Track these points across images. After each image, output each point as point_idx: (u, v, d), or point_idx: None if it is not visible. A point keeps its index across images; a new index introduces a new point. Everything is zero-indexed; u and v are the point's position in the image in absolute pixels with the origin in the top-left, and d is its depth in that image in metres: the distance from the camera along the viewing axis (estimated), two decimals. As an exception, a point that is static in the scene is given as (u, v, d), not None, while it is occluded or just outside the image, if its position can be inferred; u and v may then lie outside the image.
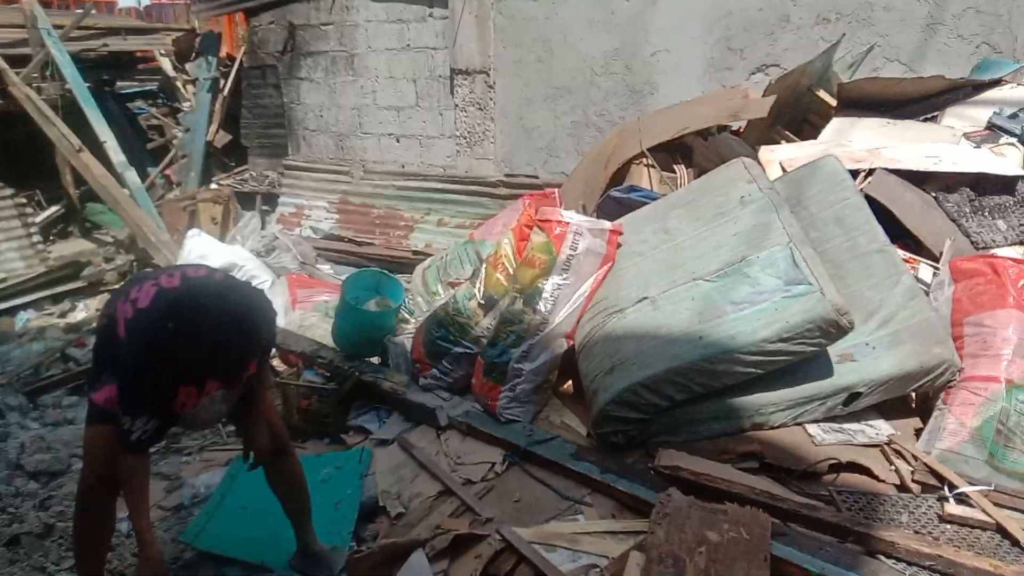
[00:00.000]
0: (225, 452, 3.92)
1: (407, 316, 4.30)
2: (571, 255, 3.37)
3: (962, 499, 2.68)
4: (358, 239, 6.91)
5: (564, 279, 3.36)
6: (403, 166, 7.39)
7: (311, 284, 5.59)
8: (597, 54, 6.22)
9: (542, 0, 6.32)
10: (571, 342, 3.39)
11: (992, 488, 2.72)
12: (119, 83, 10.03)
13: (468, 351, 3.53)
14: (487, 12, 6.50)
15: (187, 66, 9.28)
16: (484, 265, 3.66)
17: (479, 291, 3.57)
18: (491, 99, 6.70)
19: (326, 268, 6.59)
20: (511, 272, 3.49)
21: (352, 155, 7.74)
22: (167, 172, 9.16)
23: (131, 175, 7.77)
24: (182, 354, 2.20)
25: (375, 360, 4.08)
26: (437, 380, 3.62)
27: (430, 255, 5.67)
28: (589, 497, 2.87)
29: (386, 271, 4.38)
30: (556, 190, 4.02)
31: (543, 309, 3.32)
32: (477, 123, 6.79)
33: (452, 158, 7.06)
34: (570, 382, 3.56)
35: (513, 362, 3.29)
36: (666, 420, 3.06)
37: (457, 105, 6.88)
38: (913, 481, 2.81)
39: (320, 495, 3.08)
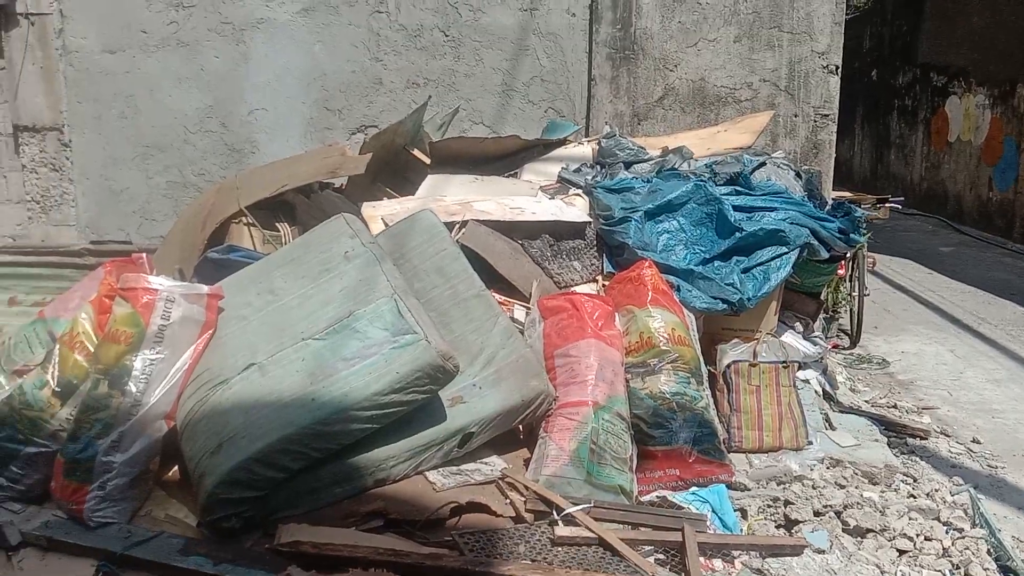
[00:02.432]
0: None
1: (-41, 418, 3.53)
2: (164, 325, 3.03)
3: (569, 520, 2.89)
4: None
5: (157, 353, 3.01)
6: (-43, 239, 6.21)
7: None
8: (189, 111, 5.87)
9: (121, 54, 5.81)
10: (172, 423, 3.03)
11: (592, 505, 2.97)
12: None
13: (43, 450, 2.98)
14: (54, 63, 5.79)
15: None
16: (58, 346, 3.14)
17: (53, 377, 3.05)
18: (68, 158, 5.95)
19: None
20: (92, 351, 3.04)
21: None
22: None
23: None
24: None
25: (-83, 478, 3.26)
26: (5, 490, 3.00)
27: (-2, 341, 4.77)
28: (202, 595, 2.56)
29: (-73, 366, 3.55)
30: (144, 255, 3.62)
31: (134, 390, 2.93)
32: (52, 185, 5.97)
33: (24, 226, 6.10)
34: (175, 468, 3.18)
35: (101, 455, 2.84)
36: (285, 493, 2.86)
37: (25, 166, 5.98)
38: (527, 510, 2.96)
39: None
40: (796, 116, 5.80)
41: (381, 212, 4.21)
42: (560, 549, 2.79)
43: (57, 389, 3.06)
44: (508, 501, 3.01)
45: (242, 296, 3.37)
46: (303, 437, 2.79)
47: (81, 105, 5.88)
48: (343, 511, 2.89)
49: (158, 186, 5.98)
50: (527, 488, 3.03)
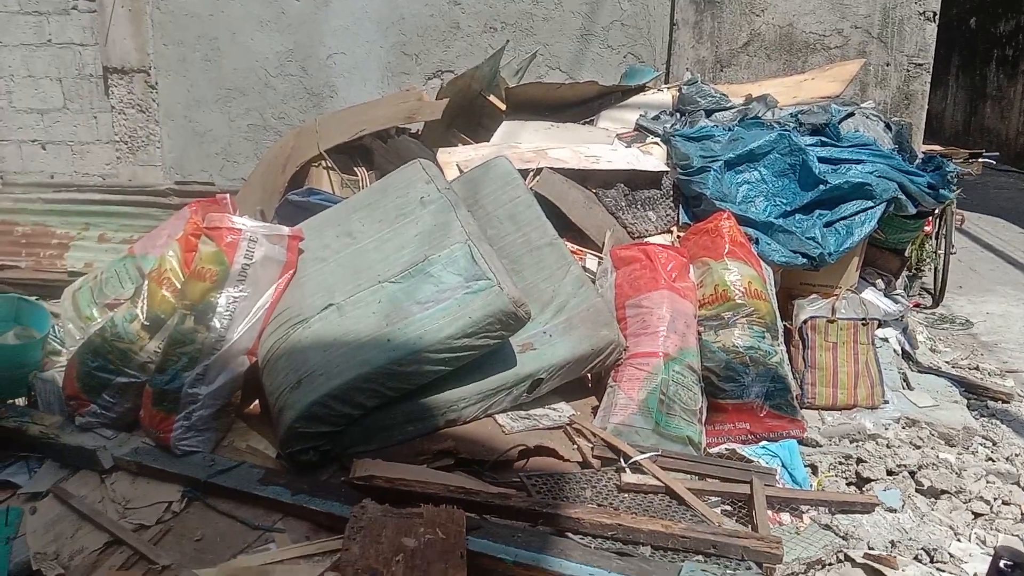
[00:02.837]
0: None
1: (57, 347, 3.72)
2: (247, 264, 3.12)
3: (636, 467, 2.90)
4: (-2, 262, 5.91)
5: (241, 291, 3.11)
6: (52, 176, 6.48)
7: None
8: (270, 55, 5.95)
9: (205, -5, 5.91)
10: (253, 359, 3.15)
11: (659, 454, 2.98)
12: None
13: (133, 380, 3.13)
14: (142, 6, 5.93)
15: None
16: (147, 282, 3.27)
17: (142, 311, 3.18)
18: (154, 100, 6.12)
19: (-43, 299, 5.55)
20: (179, 287, 3.16)
21: (-14, 166, 6.65)
22: None
23: None
24: None
25: (20, 401, 3.48)
26: (98, 417, 3.17)
27: (92, 276, 4.98)
28: (281, 523, 2.67)
29: (28, 297, 3.77)
30: (228, 195, 3.73)
31: (218, 326, 3.04)
32: (139, 127, 6.17)
33: (112, 166, 6.35)
34: (256, 402, 3.31)
35: (187, 387, 2.97)
36: (359, 429, 2.96)
37: (114, 107, 6.19)
38: (594, 456, 2.99)
39: (-48, 574, 2.54)
40: (888, 65, 5.54)
41: (456, 158, 4.22)
42: (626, 496, 2.82)
43: (146, 323, 3.20)
44: (575, 447, 3.05)
45: (321, 238, 3.44)
46: (378, 376, 2.87)
47: (167, 48, 6.02)
48: (415, 449, 2.96)
49: (239, 128, 6.11)
50: (595, 435, 3.06)
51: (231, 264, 3.08)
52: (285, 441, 2.89)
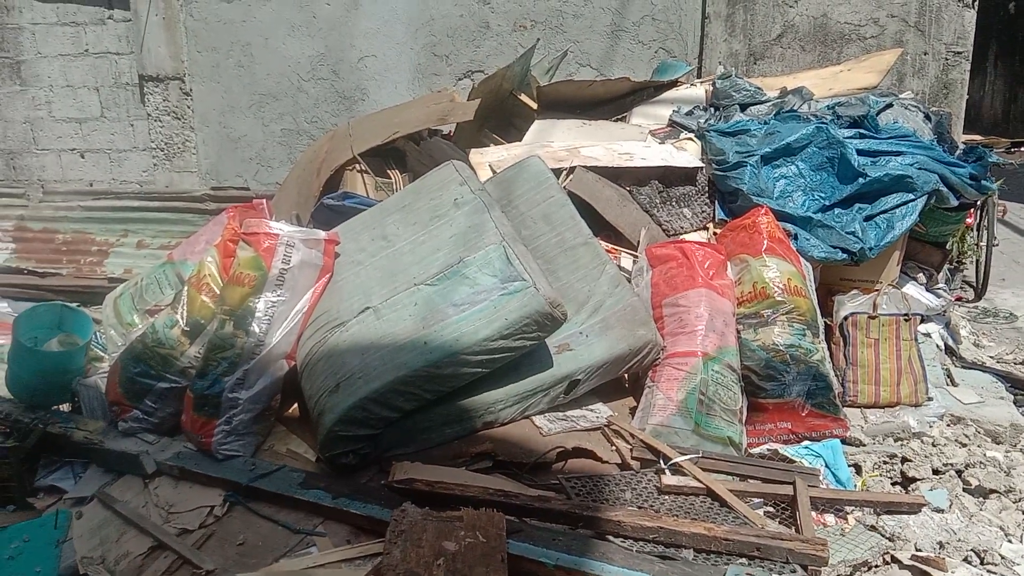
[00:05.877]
0: None
1: (99, 353, 3.79)
2: (284, 269, 3.14)
3: (676, 469, 2.87)
4: (40, 270, 6.03)
5: (279, 295, 3.13)
6: (91, 184, 6.60)
7: (-19, 326, 4.76)
8: (302, 59, 5.99)
9: (237, 2, 5.96)
10: (292, 363, 3.17)
11: (700, 455, 2.94)
12: None
13: (174, 385, 3.17)
14: (176, 14, 6.00)
15: None
16: (186, 288, 3.31)
17: (182, 317, 3.22)
18: (189, 107, 6.20)
19: (2, 306, 5.68)
20: (218, 293, 3.19)
21: (27, 175, 6.77)
22: None
23: None
24: None
25: (64, 407, 3.54)
26: (140, 422, 3.21)
27: (132, 282, 5.06)
28: (322, 526, 2.69)
29: (70, 304, 3.83)
30: (264, 200, 3.77)
31: (257, 330, 3.07)
32: (175, 133, 6.25)
33: (149, 172, 6.44)
34: (295, 406, 3.33)
35: (227, 392, 3.00)
36: (398, 432, 2.96)
37: (150, 115, 6.28)
38: (632, 458, 2.96)
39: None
40: (926, 54, 5.43)
41: (488, 159, 4.21)
42: (667, 498, 2.79)
43: (186, 328, 3.24)
44: (614, 448, 3.02)
45: (356, 242, 3.46)
46: (416, 379, 2.87)
47: (200, 54, 6.09)
48: (453, 451, 2.96)
49: (273, 133, 6.16)
50: (633, 436, 3.03)
51: (269, 269, 3.10)
52: (325, 444, 2.90)
